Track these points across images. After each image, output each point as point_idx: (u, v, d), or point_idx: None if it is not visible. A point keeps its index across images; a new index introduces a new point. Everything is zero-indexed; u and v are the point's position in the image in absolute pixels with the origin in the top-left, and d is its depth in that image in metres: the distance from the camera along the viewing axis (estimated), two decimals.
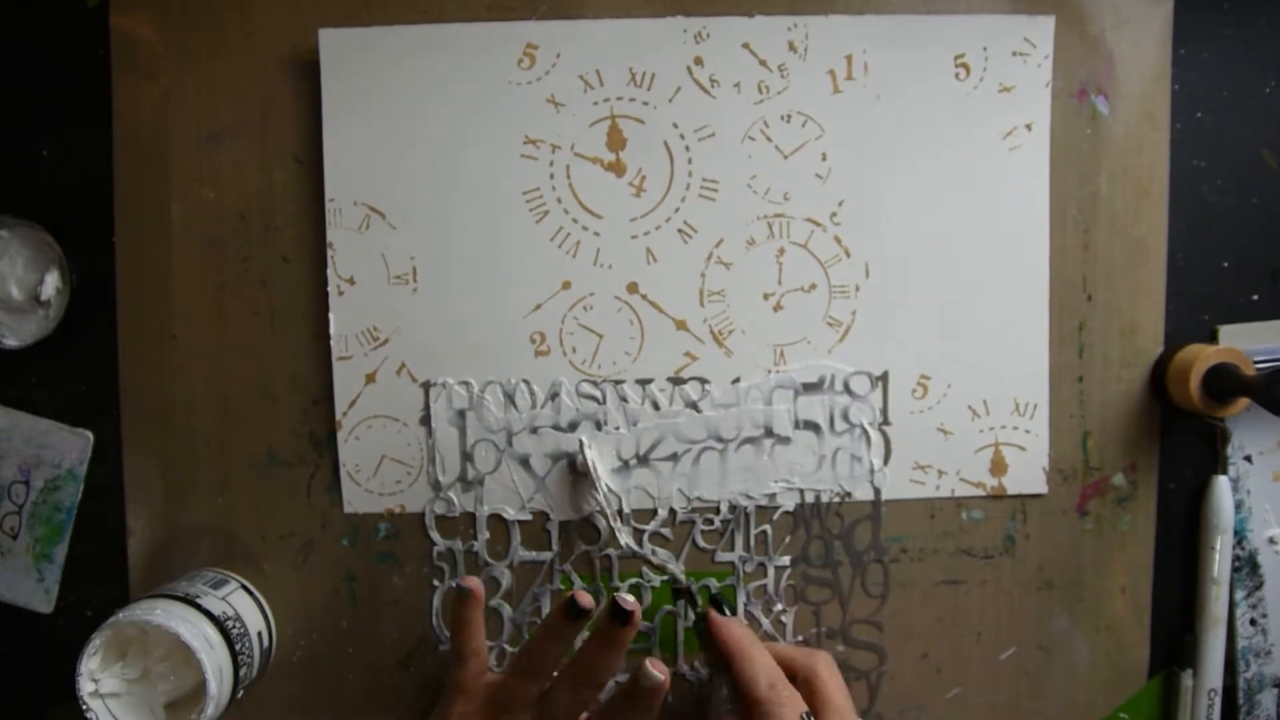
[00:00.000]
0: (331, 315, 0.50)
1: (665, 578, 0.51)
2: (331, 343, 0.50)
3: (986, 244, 0.51)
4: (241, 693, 0.47)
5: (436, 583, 0.51)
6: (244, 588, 0.50)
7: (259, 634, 0.49)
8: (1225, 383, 0.48)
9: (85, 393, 0.51)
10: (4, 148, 0.51)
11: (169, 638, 0.44)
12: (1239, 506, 0.52)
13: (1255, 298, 0.52)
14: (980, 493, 0.52)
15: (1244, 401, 0.49)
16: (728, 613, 0.48)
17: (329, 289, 0.50)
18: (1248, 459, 0.53)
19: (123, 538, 0.51)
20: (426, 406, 0.50)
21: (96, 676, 0.45)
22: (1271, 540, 0.53)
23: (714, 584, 0.51)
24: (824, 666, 0.46)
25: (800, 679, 0.46)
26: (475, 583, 0.45)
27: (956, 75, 0.50)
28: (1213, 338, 0.52)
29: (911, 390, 0.51)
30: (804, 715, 0.43)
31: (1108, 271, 0.51)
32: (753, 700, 0.44)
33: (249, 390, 0.51)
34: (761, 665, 0.45)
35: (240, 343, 0.51)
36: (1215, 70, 0.51)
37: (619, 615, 0.43)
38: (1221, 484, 0.51)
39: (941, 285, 0.51)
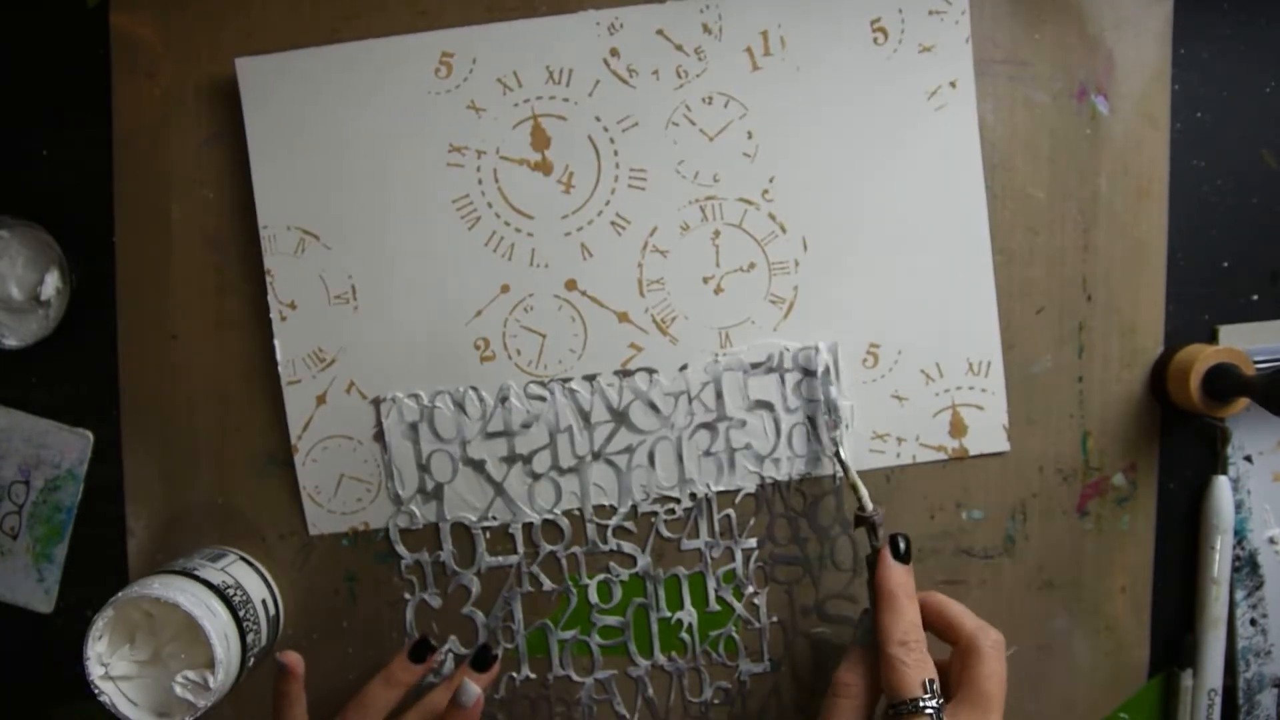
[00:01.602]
0: (276, 341, 0.50)
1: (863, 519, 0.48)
2: (279, 368, 0.50)
3: (923, 205, 0.50)
4: (253, 660, 0.47)
5: (407, 595, 0.52)
6: (243, 559, 0.50)
7: (263, 601, 0.49)
8: (1225, 383, 0.47)
9: (85, 393, 0.52)
10: (4, 148, 0.51)
11: (176, 618, 0.45)
12: (1239, 506, 0.52)
13: (1255, 298, 0.52)
14: (942, 456, 0.51)
15: (1244, 401, 0.48)
16: (903, 553, 0.46)
17: (271, 315, 0.50)
18: (1248, 459, 0.52)
19: (123, 538, 0.52)
20: (379, 422, 0.51)
21: (105, 660, 0.45)
22: (1271, 540, 0.52)
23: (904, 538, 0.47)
24: (990, 645, 0.43)
25: (960, 649, 0.44)
26: (294, 657, 0.46)
27: (875, 40, 0.49)
28: (1213, 338, 0.52)
29: (862, 360, 0.51)
30: (926, 683, 0.41)
31: (1108, 271, 0.51)
32: (882, 650, 0.43)
33: (249, 390, 0.51)
34: (902, 618, 0.43)
35: (240, 343, 0.51)
36: (1215, 70, 0.51)
37: (483, 661, 0.49)
38: (1221, 484, 0.51)
39: (882, 251, 0.50)
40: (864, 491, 0.48)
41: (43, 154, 0.51)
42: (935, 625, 0.46)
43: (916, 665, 0.42)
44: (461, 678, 0.47)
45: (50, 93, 0.51)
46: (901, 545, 0.46)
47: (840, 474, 0.50)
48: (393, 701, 0.48)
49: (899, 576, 0.45)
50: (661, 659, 0.52)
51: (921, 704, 0.41)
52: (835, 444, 0.49)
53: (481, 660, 0.49)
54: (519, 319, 0.50)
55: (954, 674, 0.44)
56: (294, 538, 0.52)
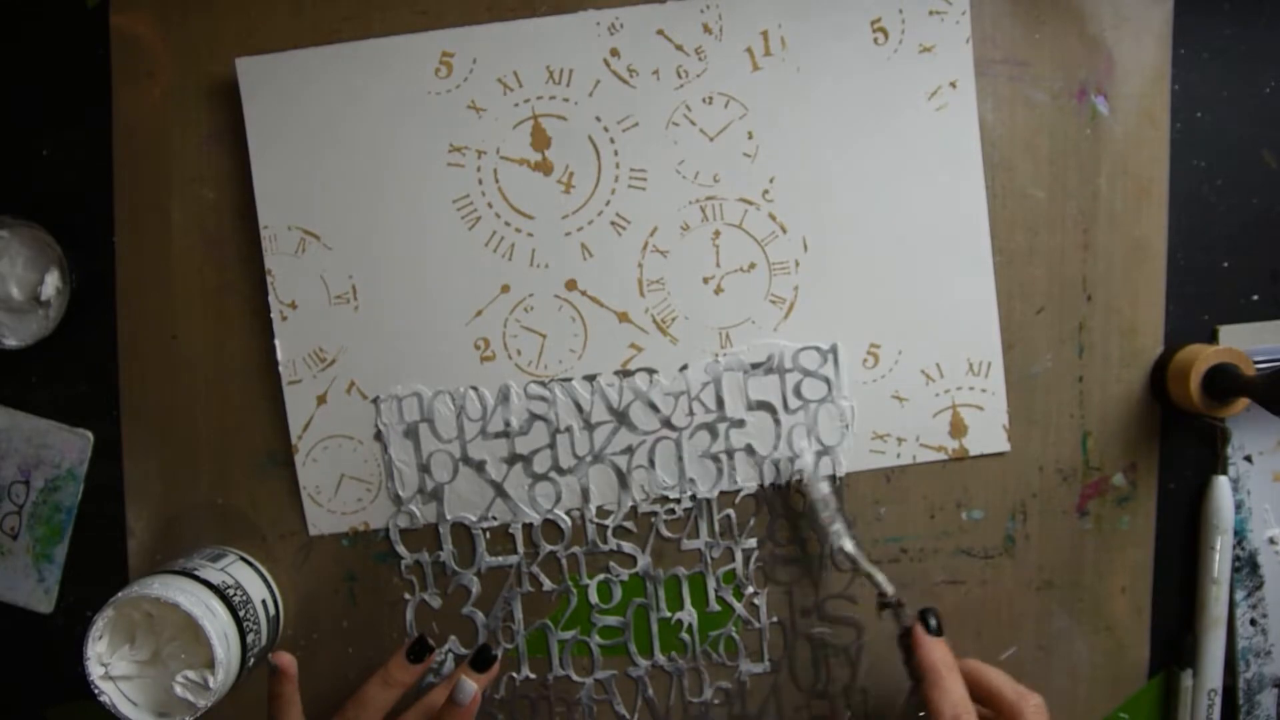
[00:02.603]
0: (277, 341, 0.50)
1: (882, 598, 0.48)
2: (280, 368, 0.50)
3: (923, 205, 0.50)
4: (253, 660, 0.47)
5: (407, 595, 0.52)
6: (243, 559, 0.50)
7: (263, 601, 0.49)
8: (1225, 383, 0.47)
9: (85, 393, 0.52)
10: (4, 148, 0.51)
11: (176, 618, 0.45)
12: (1239, 506, 0.52)
13: (1255, 298, 0.52)
14: (942, 456, 0.51)
15: (1244, 401, 0.48)
16: (935, 628, 0.46)
17: (271, 315, 0.50)
18: (1248, 459, 0.52)
19: (123, 538, 0.52)
20: (379, 422, 0.51)
21: (105, 660, 0.45)
22: (1271, 540, 0.52)
23: (932, 611, 0.48)
24: (1030, 711, 0.44)
25: (1004, 716, 0.44)
26: (286, 659, 0.46)
27: (875, 40, 0.49)
28: (1213, 338, 0.52)
29: (862, 360, 0.51)
30: None
31: (1108, 271, 0.51)
32: None
33: (249, 390, 0.51)
34: (951, 693, 0.44)
35: (240, 343, 0.51)
36: (1215, 70, 0.51)
37: (483, 662, 0.49)
38: (1221, 484, 0.51)
39: (882, 251, 0.50)
40: (880, 577, 0.48)
41: (43, 154, 0.51)
42: (975, 693, 0.46)
43: None
44: (459, 676, 0.47)
45: (50, 93, 0.51)
46: (932, 622, 0.46)
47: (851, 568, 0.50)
48: (390, 701, 0.48)
49: (939, 652, 0.45)
50: (661, 659, 0.52)
51: None
52: (842, 551, 0.49)
53: (481, 661, 0.49)
54: (519, 319, 0.50)
55: None
56: (294, 538, 0.52)
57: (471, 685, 0.45)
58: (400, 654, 0.49)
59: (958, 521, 0.52)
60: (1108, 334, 0.51)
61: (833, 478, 0.50)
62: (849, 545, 0.49)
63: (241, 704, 0.51)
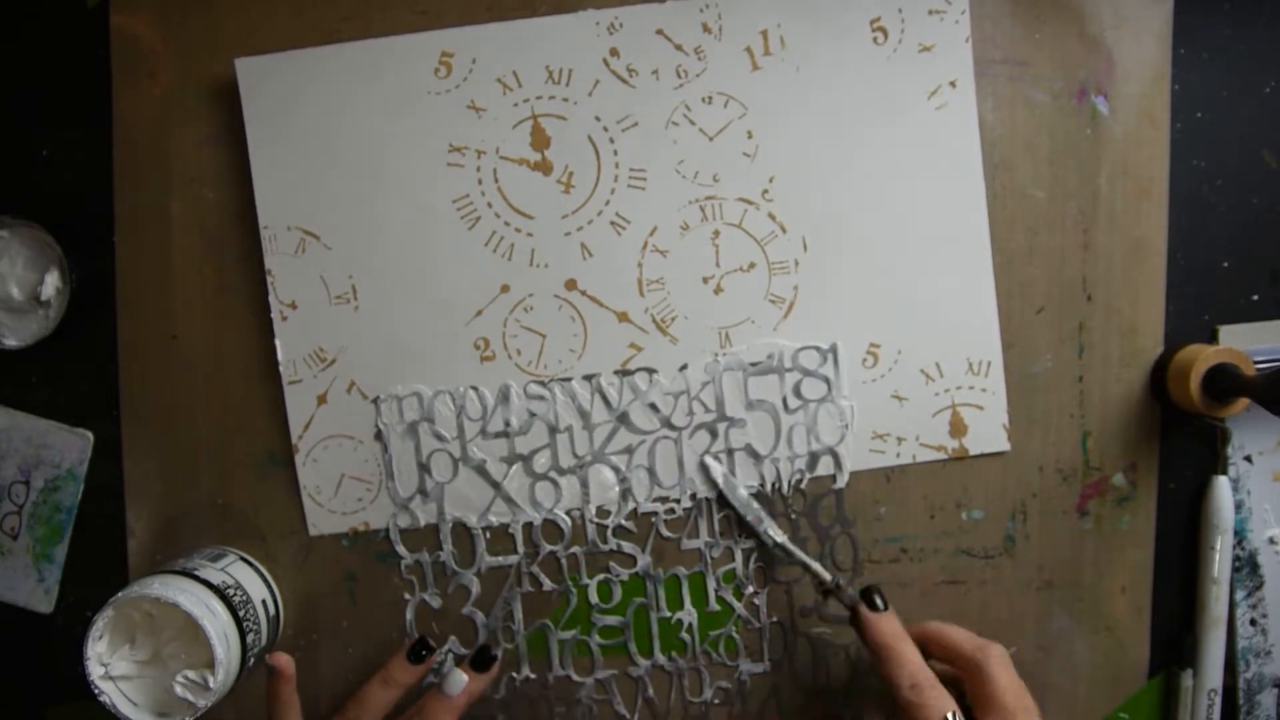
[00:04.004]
0: (277, 341, 0.50)
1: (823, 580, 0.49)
2: (280, 368, 0.50)
3: (923, 205, 0.50)
4: (253, 660, 0.47)
5: (407, 595, 0.52)
6: (243, 559, 0.50)
7: (263, 601, 0.49)
8: (1225, 383, 0.47)
9: (85, 393, 0.52)
10: (4, 148, 0.51)
11: (176, 618, 0.45)
12: (1239, 506, 0.52)
13: (1255, 298, 0.52)
14: (942, 456, 0.51)
15: (1244, 401, 0.48)
16: (880, 605, 0.46)
17: (272, 315, 0.50)
18: (1248, 459, 0.52)
19: (123, 538, 0.52)
20: (379, 422, 0.51)
21: (105, 660, 0.45)
22: (1271, 540, 0.52)
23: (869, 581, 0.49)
24: (994, 662, 0.43)
25: (969, 673, 0.44)
26: (284, 660, 0.46)
27: (875, 39, 0.49)
28: (1213, 338, 0.52)
29: (862, 360, 0.51)
30: (948, 717, 0.42)
31: (1108, 271, 0.51)
32: (897, 700, 0.43)
33: (249, 390, 0.51)
34: (905, 664, 0.44)
35: (240, 343, 0.51)
36: (1215, 70, 0.51)
37: (482, 662, 0.48)
38: (1221, 484, 0.51)
39: (882, 251, 0.50)
40: (816, 565, 0.49)
41: (43, 154, 0.51)
42: (938, 654, 0.46)
43: (934, 703, 0.42)
44: (455, 669, 0.47)
45: (50, 93, 0.51)
46: (876, 599, 0.46)
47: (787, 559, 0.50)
48: (390, 702, 0.48)
49: (885, 626, 0.45)
50: (661, 659, 0.52)
51: None
52: (771, 538, 0.50)
53: (481, 661, 0.49)
54: (519, 319, 0.50)
55: (971, 696, 0.44)
56: (294, 538, 0.52)
57: (462, 678, 0.46)
58: (401, 655, 0.49)
59: (958, 521, 0.52)
60: (1108, 334, 0.51)
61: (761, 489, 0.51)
62: (779, 537, 0.49)
63: (241, 704, 0.51)
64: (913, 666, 0.44)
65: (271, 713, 0.47)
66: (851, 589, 0.48)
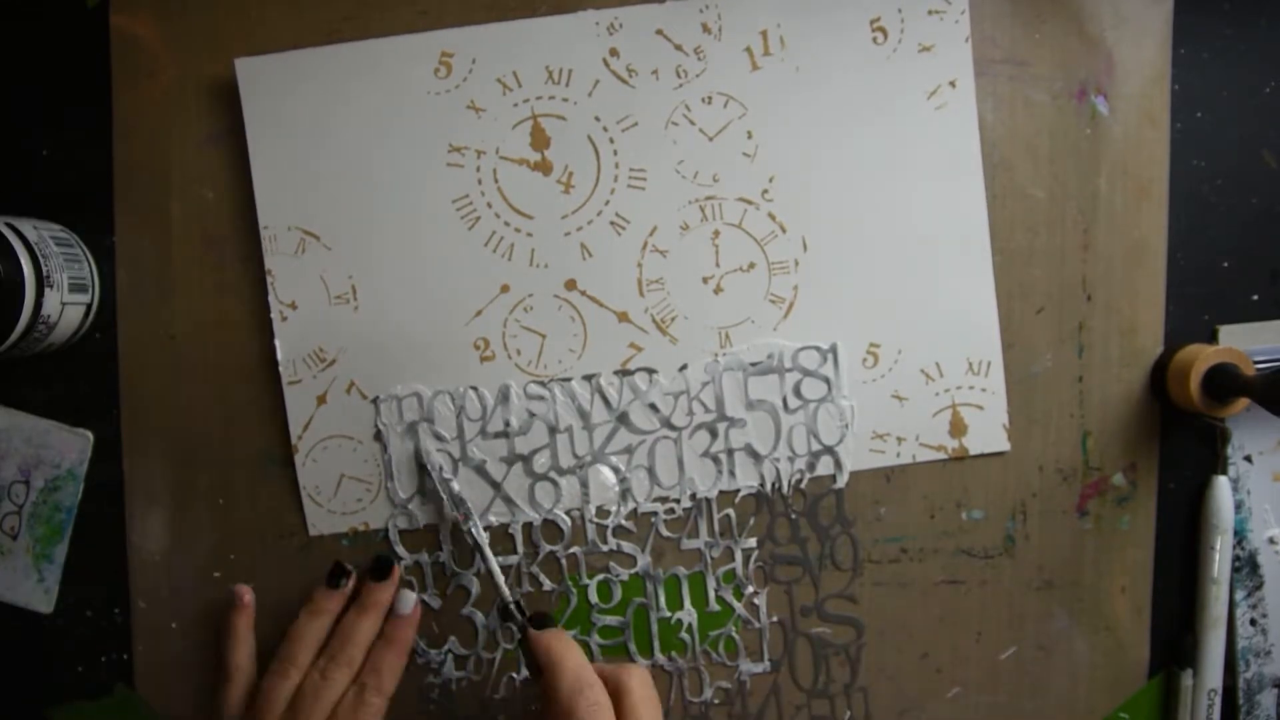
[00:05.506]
0: (277, 341, 0.50)
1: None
2: (280, 368, 0.50)
3: (923, 205, 0.50)
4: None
5: None
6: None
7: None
8: (1225, 383, 0.47)
9: (85, 393, 0.52)
10: (4, 148, 0.51)
11: None
12: (1239, 506, 0.52)
13: (1255, 298, 0.52)
14: (942, 455, 0.51)
15: (1244, 401, 0.48)
16: (542, 622, 0.47)
17: (271, 315, 0.50)
18: (1248, 459, 0.52)
19: (123, 538, 0.52)
20: (378, 422, 0.51)
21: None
22: (1271, 540, 0.52)
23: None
24: (635, 681, 0.44)
25: (611, 694, 0.44)
26: (247, 592, 0.47)
27: (874, 40, 0.49)
28: (1213, 338, 0.51)
29: (862, 360, 0.51)
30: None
31: (1108, 271, 0.51)
32: (556, 710, 0.43)
33: (249, 390, 0.51)
34: (567, 672, 0.43)
35: (240, 343, 0.51)
36: (1215, 70, 0.51)
37: (380, 571, 0.49)
38: (1221, 484, 0.51)
39: (882, 251, 0.50)
40: (500, 580, 0.48)
41: (43, 154, 0.51)
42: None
43: (588, 710, 0.42)
44: (394, 590, 0.49)
45: (50, 93, 0.51)
46: (546, 620, 0.47)
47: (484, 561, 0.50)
48: (322, 631, 0.49)
49: (547, 637, 0.45)
50: (661, 659, 0.52)
51: None
52: (474, 537, 0.50)
53: (379, 571, 0.49)
54: (519, 319, 0.50)
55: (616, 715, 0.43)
56: (294, 538, 0.52)
57: (411, 595, 0.48)
58: (323, 585, 0.50)
59: (958, 521, 0.52)
60: (1108, 334, 0.51)
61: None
62: (481, 540, 0.50)
63: (193, 636, 0.52)
64: (572, 673, 0.43)
65: (224, 645, 0.48)
66: (521, 615, 0.48)
